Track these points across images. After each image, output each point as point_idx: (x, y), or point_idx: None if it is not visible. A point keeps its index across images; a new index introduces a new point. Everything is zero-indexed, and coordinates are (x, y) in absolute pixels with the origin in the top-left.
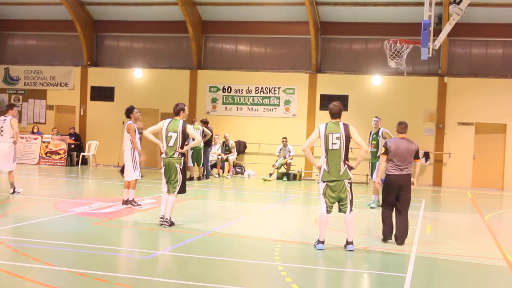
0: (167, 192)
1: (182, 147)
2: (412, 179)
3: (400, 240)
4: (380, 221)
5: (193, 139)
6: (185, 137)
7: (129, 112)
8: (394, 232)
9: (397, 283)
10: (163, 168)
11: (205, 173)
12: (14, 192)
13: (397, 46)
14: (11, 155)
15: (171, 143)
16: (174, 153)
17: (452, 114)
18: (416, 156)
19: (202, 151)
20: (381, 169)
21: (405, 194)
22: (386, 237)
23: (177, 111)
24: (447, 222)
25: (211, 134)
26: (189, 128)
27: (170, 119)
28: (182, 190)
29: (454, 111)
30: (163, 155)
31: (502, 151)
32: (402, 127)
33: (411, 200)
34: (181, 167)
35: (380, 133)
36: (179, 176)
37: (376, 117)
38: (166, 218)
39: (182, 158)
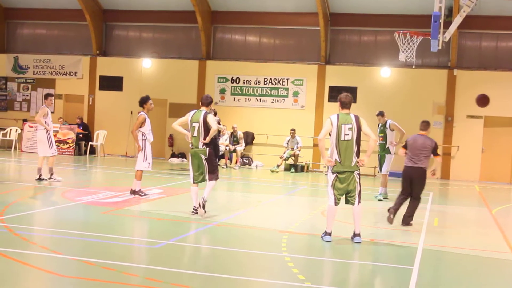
0: (196, 184)
1: (205, 138)
2: (433, 170)
3: (404, 221)
4: (387, 214)
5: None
6: (207, 127)
7: (143, 102)
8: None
9: (404, 275)
10: (191, 158)
11: None
12: (51, 178)
13: (407, 38)
14: (45, 142)
15: (195, 133)
16: (198, 144)
17: (461, 107)
18: (435, 153)
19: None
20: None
21: (416, 184)
22: (389, 214)
23: (208, 103)
24: (454, 215)
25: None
26: (209, 118)
27: (196, 110)
28: (213, 177)
29: (463, 104)
30: (190, 145)
31: (510, 145)
32: (423, 125)
33: (423, 190)
34: (206, 157)
35: (387, 125)
36: (205, 165)
37: (377, 114)
38: (203, 199)
39: (207, 148)
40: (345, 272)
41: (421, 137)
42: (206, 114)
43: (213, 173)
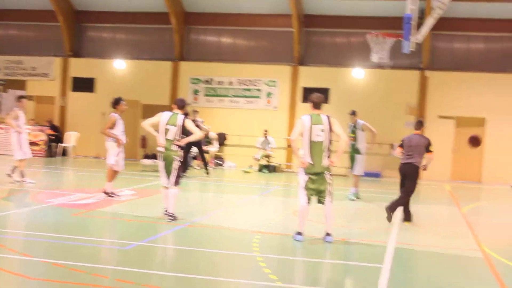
0: (166, 186)
1: (180, 139)
2: (424, 165)
3: (388, 207)
4: (359, 213)
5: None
6: (183, 131)
7: (115, 103)
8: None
9: (375, 274)
10: (163, 162)
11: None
12: (22, 180)
13: (379, 39)
14: (15, 145)
15: (169, 136)
16: (171, 146)
17: (432, 108)
18: (428, 150)
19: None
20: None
21: (408, 179)
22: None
23: (182, 106)
24: (425, 214)
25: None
26: (188, 122)
27: (170, 112)
28: (177, 182)
29: (435, 105)
30: (161, 149)
31: (480, 145)
32: (417, 124)
33: (414, 185)
34: (178, 160)
35: (358, 126)
36: (174, 168)
37: (349, 112)
38: (169, 212)
39: (180, 151)
40: (317, 271)
41: (415, 136)
42: (184, 118)
43: (178, 178)
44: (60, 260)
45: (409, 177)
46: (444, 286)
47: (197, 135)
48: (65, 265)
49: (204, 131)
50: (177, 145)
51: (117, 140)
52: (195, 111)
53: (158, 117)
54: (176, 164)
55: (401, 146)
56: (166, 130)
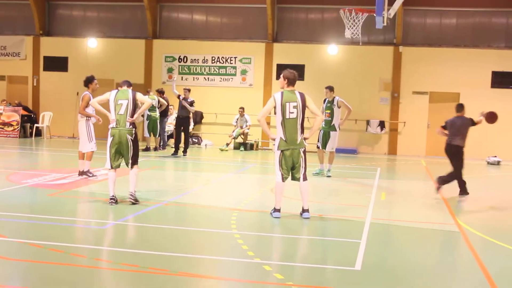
0: (114, 169)
1: (132, 116)
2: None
3: (438, 180)
4: (335, 190)
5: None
6: (136, 104)
7: (88, 81)
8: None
9: (352, 248)
10: (111, 139)
11: (161, 143)
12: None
13: (352, 15)
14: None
15: (121, 111)
16: (125, 124)
17: (406, 83)
18: (474, 123)
19: (158, 121)
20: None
21: (453, 159)
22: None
23: (129, 84)
24: (401, 190)
25: (166, 104)
26: (139, 95)
27: (117, 90)
28: (135, 161)
29: (409, 80)
30: (113, 125)
31: None
32: (459, 107)
33: (460, 165)
34: (132, 138)
35: (335, 103)
36: (130, 146)
37: (326, 87)
38: (131, 193)
39: (134, 128)
40: (294, 247)
41: (458, 119)
42: (134, 92)
43: (137, 156)
44: (37, 240)
45: (454, 157)
46: (421, 260)
47: (147, 104)
48: (42, 245)
49: (190, 111)
50: (130, 122)
51: (97, 119)
52: (188, 90)
53: (107, 95)
54: (130, 144)
55: (444, 127)
56: (119, 105)
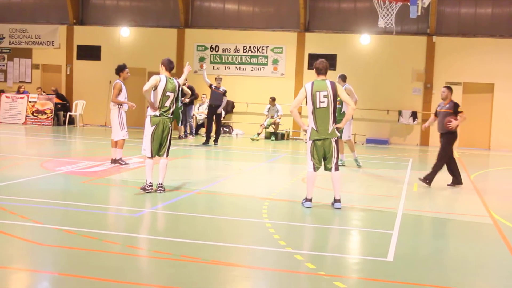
0: (154, 156)
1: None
2: None
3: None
4: (367, 180)
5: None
6: (179, 96)
7: (119, 70)
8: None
9: (384, 239)
10: (154, 127)
11: (187, 132)
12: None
13: (386, 4)
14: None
15: (167, 103)
16: (168, 113)
17: (440, 74)
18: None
19: (180, 111)
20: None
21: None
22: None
23: (172, 68)
24: (434, 181)
25: (190, 93)
26: (183, 86)
27: (165, 77)
28: (168, 153)
29: (442, 71)
30: (156, 113)
31: (489, 111)
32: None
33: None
34: (171, 127)
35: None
36: (169, 135)
37: (339, 76)
38: (161, 184)
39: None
40: (326, 237)
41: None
42: (179, 83)
43: (170, 148)
44: (71, 227)
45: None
46: (454, 251)
47: (188, 94)
48: (76, 232)
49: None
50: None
51: (129, 106)
52: (220, 78)
53: (154, 80)
54: (171, 132)
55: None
56: (166, 97)
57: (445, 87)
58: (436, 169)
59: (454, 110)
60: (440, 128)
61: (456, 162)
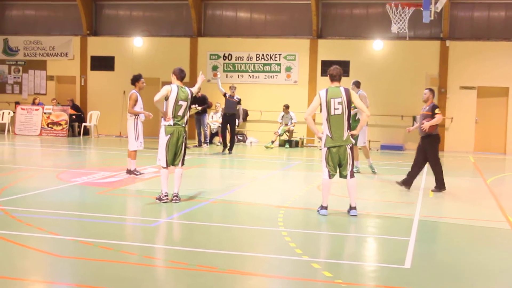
0: (169, 166)
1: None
2: None
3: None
4: (382, 187)
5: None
6: (190, 105)
7: (135, 80)
8: None
9: (401, 246)
10: (169, 137)
11: (203, 140)
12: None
13: (399, 9)
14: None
15: (180, 112)
16: (182, 122)
17: (454, 78)
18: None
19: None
20: None
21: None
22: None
23: (183, 77)
24: (449, 186)
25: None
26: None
27: (176, 86)
28: (184, 161)
29: (456, 75)
30: (170, 122)
31: (504, 115)
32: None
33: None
34: (186, 136)
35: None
36: (185, 146)
37: (353, 82)
38: (176, 194)
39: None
40: (342, 245)
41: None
42: (191, 91)
43: (185, 156)
44: (87, 238)
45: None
46: (471, 258)
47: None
48: (93, 243)
49: (238, 109)
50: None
51: (146, 115)
52: (234, 87)
53: (166, 91)
54: (185, 141)
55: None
56: (179, 106)
57: (427, 89)
58: (437, 174)
59: (432, 111)
60: (419, 132)
61: (422, 168)
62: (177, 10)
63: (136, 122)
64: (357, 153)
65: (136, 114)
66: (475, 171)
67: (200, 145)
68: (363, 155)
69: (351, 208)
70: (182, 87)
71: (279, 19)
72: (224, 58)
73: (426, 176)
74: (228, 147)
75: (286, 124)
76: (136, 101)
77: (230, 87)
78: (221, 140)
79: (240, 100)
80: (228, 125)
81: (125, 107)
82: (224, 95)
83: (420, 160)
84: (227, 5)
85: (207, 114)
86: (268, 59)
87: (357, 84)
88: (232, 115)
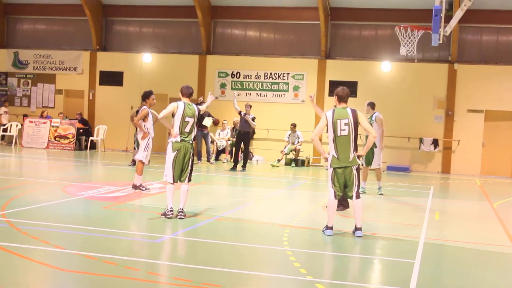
0: (175, 182)
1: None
2: None
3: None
4: (388, 208)
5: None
6: (198, 121)
7: (146, 96)
8: None
9: (406, 268)
10: (176, 153)
11: (207, 156)
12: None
13: (408, 32)
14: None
15: (187, 129)
16: (189, 138)
17: (461, 101)
18: None
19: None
20: None
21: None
22: None
23: (190, 94)
24: (455, 209)
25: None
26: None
27: (183, 103)
28: (191, 178)
29: (464, 98)
30: (177, 139)
31: (511, 139)
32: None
33: None
34: (193, 153)
35: (373, 118)
36: (192, 162)
37: (368, 103)
38: (181, 209)
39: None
40: (347, 266)
41: None
42: (199, 108)
43: (192, 173)
44: (92, 252)
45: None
46: (476, 282)
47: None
48: (97, 258)
49: (252, 126)
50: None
51: (144, 133)
52: (249, 106)
53: (172, 107)
54: (192, 157)
55: None
56: (186, 123)
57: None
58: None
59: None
60: None
61: None
62: (187, 28)
63: (149, 137)
64: (365, 174)
65: (139, 127)
66: (481, 194)
67: (199, 162)
68: (373, 176)
69: (357, 229)
70: (189, 104)
71: (287, 38)
72: (232, 76)
73: (432, 198)
74: (242, 163)
75: (293, 143)
76: (146, 116)
77: (245, 106)
78: (228, 158)
79: (254, 118)
80: (242, 143)
81: (133, 121)
82: (239, 113)
83: None
84: (237, 23)
85: (207, 132)
86: (276, 78)
87: (372, 106)
88: (247, 133)
